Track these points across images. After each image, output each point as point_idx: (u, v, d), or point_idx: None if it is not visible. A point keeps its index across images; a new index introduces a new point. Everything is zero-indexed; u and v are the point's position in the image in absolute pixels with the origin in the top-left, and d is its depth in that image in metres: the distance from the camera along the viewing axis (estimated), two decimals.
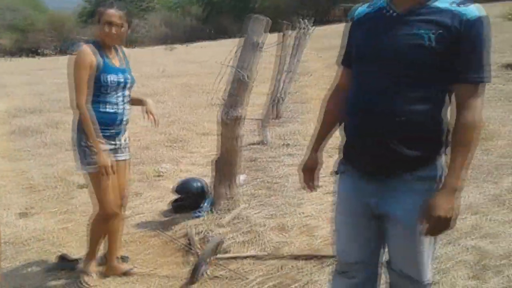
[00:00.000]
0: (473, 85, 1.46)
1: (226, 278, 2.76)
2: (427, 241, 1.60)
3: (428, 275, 1.67)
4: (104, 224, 2.78)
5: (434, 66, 1.46)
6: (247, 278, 2.72)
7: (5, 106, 8.93)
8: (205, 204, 3.65)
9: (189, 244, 3.22)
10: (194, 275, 2.72)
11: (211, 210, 3.58)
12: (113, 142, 2.68)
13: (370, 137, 1.56)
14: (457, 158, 1.47)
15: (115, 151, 2.70)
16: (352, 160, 1.69)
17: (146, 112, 2.77)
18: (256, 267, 2.83)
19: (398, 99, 1.49)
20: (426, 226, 1.50)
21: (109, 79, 2.55)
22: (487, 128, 4.97)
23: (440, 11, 1.45)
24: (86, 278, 2.80)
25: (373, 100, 1.53)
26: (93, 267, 2.87)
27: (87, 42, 2.59)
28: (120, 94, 2.64)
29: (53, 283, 2.86)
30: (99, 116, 2.55)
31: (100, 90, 2.56)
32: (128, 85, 2.68)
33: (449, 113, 1.55)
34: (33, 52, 30.89)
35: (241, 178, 4.15)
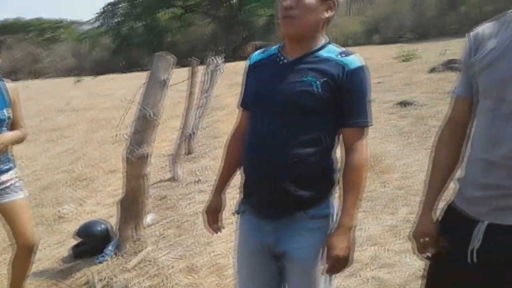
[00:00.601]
0: (357, 129, 1.59)
1: None
2: (322, 279, 1.66)
3: None
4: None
5: (323, 111, 1.56)
6: None
7: None
8: (110, 247, 3.46)
9: None
10: None
11: (116, 254, 3.40)
12: None
13: (264, 178, 1.61)
14: (349, 199, 1.57)
15: None
16: (251, 199, 1.73)
17: None
18: None
19: (290, 142, 1.56)
20: (326, 266, 1.57)
21: None
22: (383, 162, 5.35)
23: (326, 60, 1.56)
24: None
25: (266, 142, 1.59)
26: None
27: None
28: None
29: None
30: None
31: None
32: None
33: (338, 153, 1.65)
34: None
35: (149, 218, 4.02)
